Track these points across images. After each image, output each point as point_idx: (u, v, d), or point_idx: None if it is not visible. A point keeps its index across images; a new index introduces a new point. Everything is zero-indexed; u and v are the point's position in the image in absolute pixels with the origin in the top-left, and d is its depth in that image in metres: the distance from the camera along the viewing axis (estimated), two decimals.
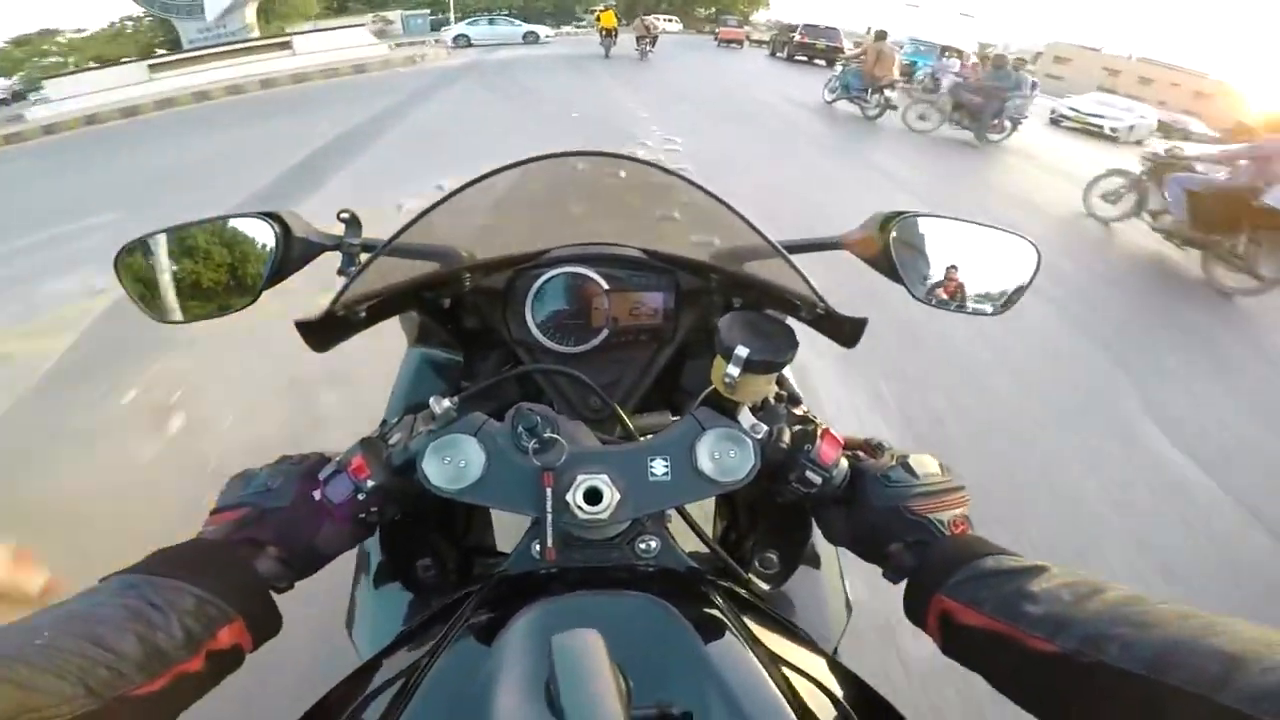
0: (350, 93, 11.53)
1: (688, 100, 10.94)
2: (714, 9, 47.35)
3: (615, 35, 17.80)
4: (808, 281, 0.61)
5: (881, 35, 10.55)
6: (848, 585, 0.77)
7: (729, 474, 0.53)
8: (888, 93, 10.30)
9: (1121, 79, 45.54)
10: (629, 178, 0.76)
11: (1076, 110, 15.41)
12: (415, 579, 0.72)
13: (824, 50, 20.42)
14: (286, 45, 15.72)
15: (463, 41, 23.06)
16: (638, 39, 17.52)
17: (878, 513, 0.57)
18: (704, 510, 0.82)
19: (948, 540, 0.54)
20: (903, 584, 0.55)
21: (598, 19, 18.70)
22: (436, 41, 23.81)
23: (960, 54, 19.02)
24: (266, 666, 0.57)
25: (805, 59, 21.20)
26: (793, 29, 22.42)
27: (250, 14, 17.49)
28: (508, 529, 0.90)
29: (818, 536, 0.75)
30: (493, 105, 10.10)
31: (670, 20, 39.38)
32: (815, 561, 0.76)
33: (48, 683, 0.33)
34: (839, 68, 12.19)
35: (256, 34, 17.42)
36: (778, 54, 23.40)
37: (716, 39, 27.83)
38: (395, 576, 0.73)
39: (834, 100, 11.37)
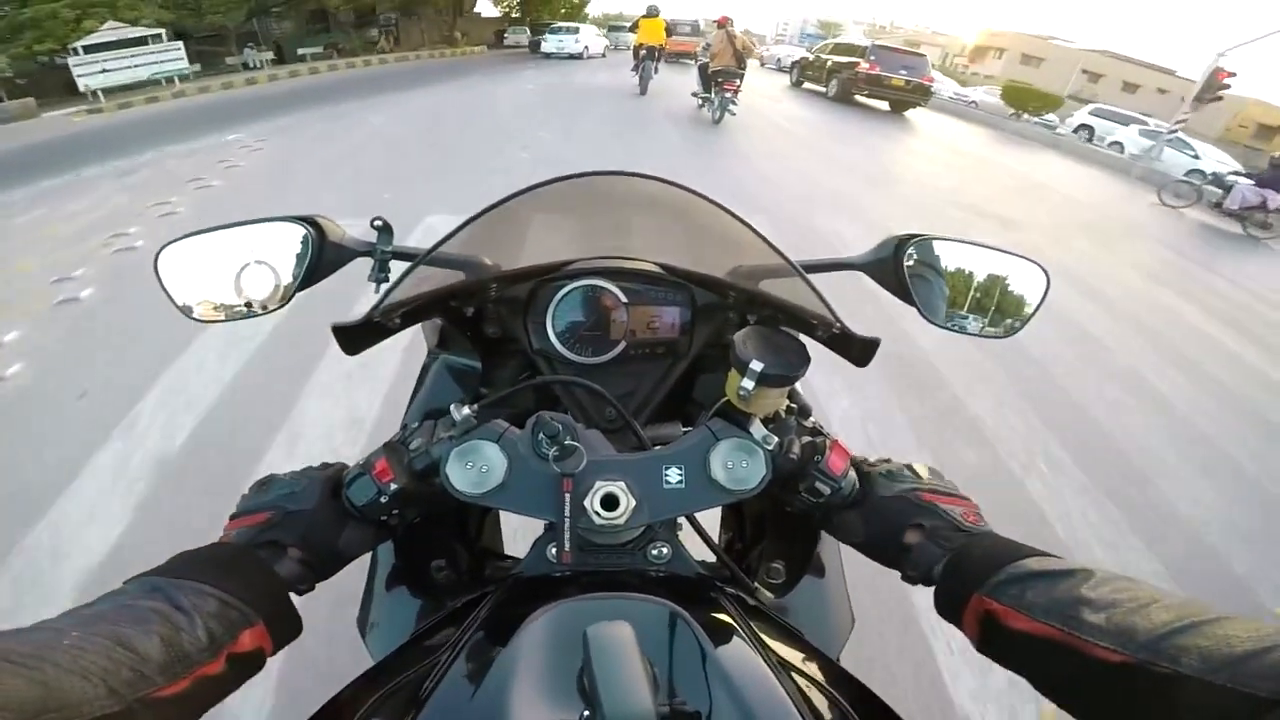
0: None
1: None
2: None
3: (658, 57, 11.68)
4: (825, 302, 0.63)
5: None
6: (851, 596, 0.77)
7: (741, 483, 0.55)
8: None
9: (1103, 85, 38.51)
10: (653, 196, 0.77)
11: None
12: (429, 580, 0.74)
13: (903, 89, 13.16)
14: None
15: None
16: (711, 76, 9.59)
17: (887, 501, 0.58)
18: (711, 520, 0.83)
19: (980, 537, 0.53)
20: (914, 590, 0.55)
21: (634, 27, 12.03)
22: None
23: None
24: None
25: (864, 98, 14.13)
26: (850, 51, 14.42)
27: None
28: (515, 534, 0.92)
29: (824, 548, 0.76)
30: None
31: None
32: (820, 572, 0.76)
33: (72, 683, 0.33)
34: None
35: None
36: (804, 83, 16.22)
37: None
38: (409, 578, 0.74)
39: None
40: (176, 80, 12.67)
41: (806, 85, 16.95)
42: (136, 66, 12.30)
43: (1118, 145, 16.07)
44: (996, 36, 48.16)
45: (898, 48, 14.52)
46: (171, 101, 11.45)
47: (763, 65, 26.10)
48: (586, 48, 22.84)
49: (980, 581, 0.48)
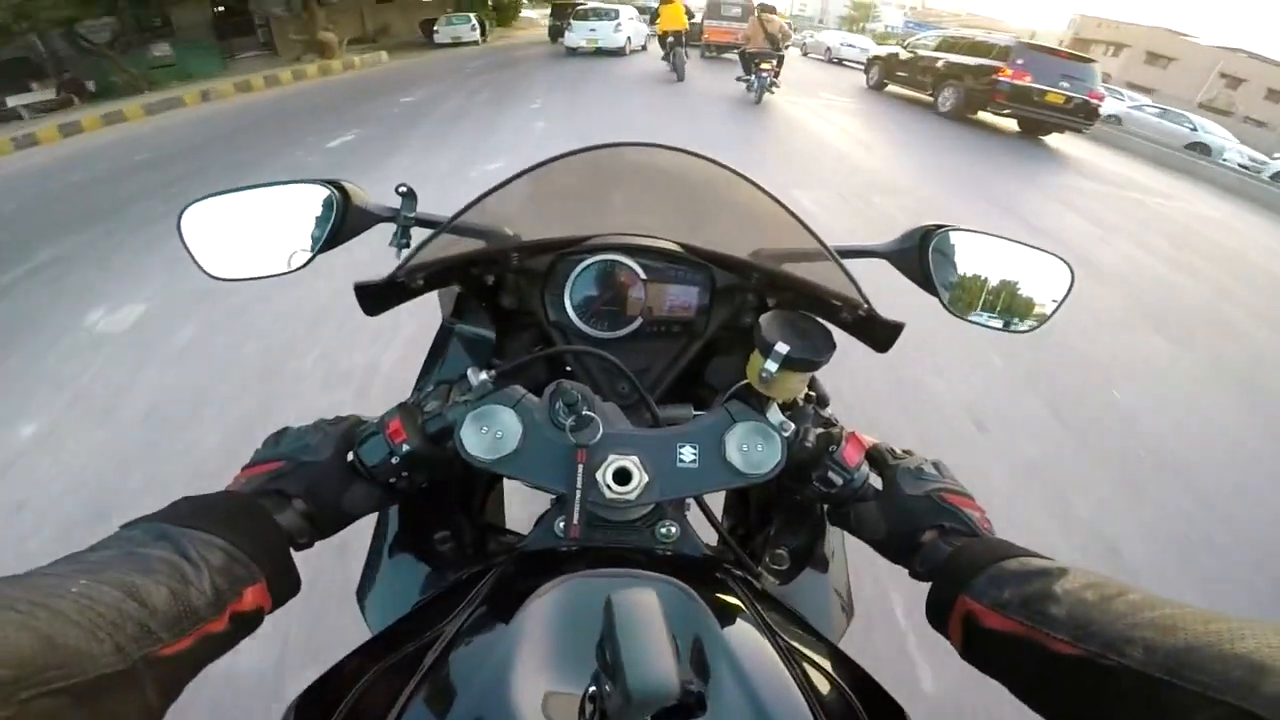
0: None
1: None
2: None
3: (684, 42, 11.90)
4: (854, 281, 0.62)
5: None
6: (852, 588, 0.76)
7: (755, 467, 0.54)
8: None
9: (1244, 93, 30.07)
10: (678, 169, 0.77)
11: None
12: (432, 551, 0.73)
13: (1062, 108, 9.82)
14: None
15: None
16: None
17: (912, 499, 0.57)
18: (714, 505, 0.83)
19: (974, 541, 0.53)
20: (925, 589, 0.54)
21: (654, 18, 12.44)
22: None
23: None
24: None
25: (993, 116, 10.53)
26: (978, 49, 10.63)
27: None
28: (517, 510, 0.92)
29: (828, 538, 0.76)
30: None
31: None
32: (824, 562, 0.75)
33: (78, 638, 0.31)
34: None
35: None
36: (887, 85, 13.23)
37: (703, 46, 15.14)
38: (412, 548, 0.73)
39: None
40: None
41: (892, 89, 13.27)
42: None
43: None
44: (1105, 27, 37.33)
45: (1057, 49, 10.66)
46: None
47: (805, 55, 22.91)
48: (629, 39, 15.26)
49: (965, 583, 0.47)
